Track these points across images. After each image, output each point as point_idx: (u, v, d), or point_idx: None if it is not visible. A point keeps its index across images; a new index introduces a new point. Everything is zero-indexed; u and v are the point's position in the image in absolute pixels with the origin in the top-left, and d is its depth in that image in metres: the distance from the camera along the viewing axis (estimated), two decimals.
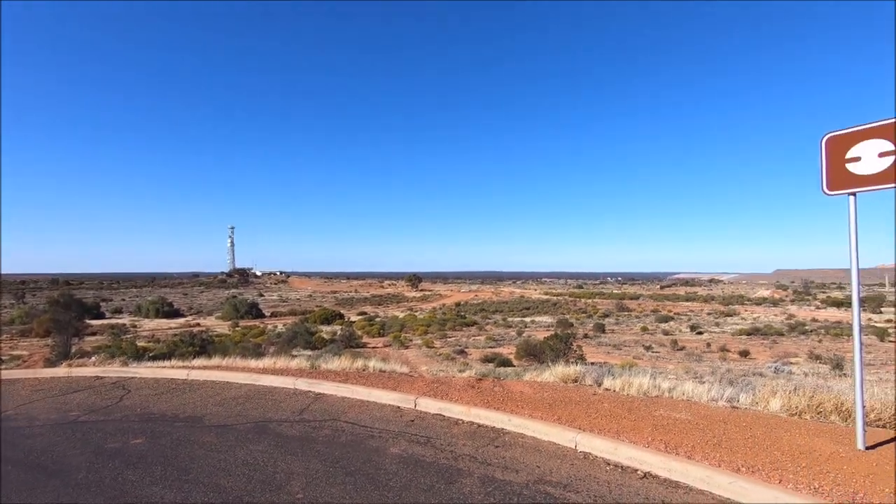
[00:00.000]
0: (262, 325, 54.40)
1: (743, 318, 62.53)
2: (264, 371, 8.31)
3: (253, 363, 9.36)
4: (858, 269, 4.24)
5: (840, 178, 4.27)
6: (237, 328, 50.98)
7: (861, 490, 3.26)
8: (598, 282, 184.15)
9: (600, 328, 49.09)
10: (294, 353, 27.22)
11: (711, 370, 23.44)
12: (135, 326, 52.74)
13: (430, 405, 5.84)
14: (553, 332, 35.81)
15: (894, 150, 3.91)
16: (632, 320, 61.35)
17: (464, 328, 52.38)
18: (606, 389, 6.94)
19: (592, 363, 26.75)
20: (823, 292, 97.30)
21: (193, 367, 8.74)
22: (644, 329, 50.97)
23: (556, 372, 7.92)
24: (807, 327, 50.22)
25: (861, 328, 4.30)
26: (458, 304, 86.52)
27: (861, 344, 4.28)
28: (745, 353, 33.17)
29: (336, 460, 4.22)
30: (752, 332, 47.60)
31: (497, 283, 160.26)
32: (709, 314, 68.40)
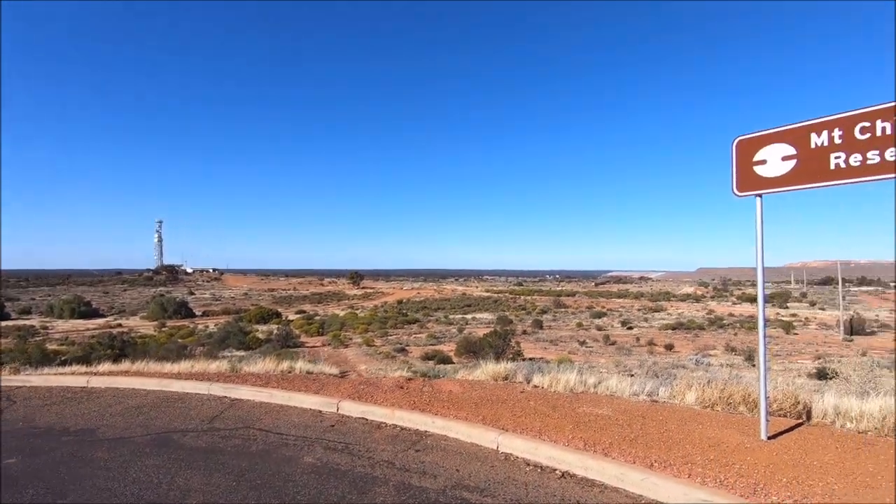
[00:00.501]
0: (191, 325, 51.57)
1: (669, 314, 66.50)
2: (178, 376, 7.71)
3: (168, 367, 8.67)
4: (763, 267, 4.44)
5: (748, 181, 4.45)
6: (164, 329, 47.98)
7: (762, 481, 3.37)
8: (537, 279, 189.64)
9: (538, 324, 50.43)
10: (226, 353, 25.93)
11: (639, 363, 24.63)
12: (45, 328, 48.33)
13: (353, 408, 5.59)
14: (493, 329, 36.30)
15: (795, 154, 4.11)
16: (568, 316, 63.59)
17: (405, 326, 52.15)
18: (535, 387, 6.97)
19: (530, 359, 27.39)
20: (739, 289, 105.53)
21: (97, 374, 7.96)
22: (579, 325, 52.93)
23: (487, 370, 7.88)
24: (724, 321, 54.15)
25: (766, 324, 4.51)
26: (400, 302, 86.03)
27: (765, 341, 4.49)
28: (670, 347, 35.18)
29: (242, 473, 3.89)
30: (677, 326, 50.68)
31: (440, 280, 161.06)
32: (639, 310, 72.18)
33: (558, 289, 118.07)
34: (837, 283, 70.75)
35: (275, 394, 6.26)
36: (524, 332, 44.01)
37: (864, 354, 28.90)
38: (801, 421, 5.10)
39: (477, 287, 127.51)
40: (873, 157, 3.65)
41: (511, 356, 28.35)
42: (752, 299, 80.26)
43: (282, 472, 3.90)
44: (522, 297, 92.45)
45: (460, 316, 63.68)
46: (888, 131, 3.57)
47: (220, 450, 4.46)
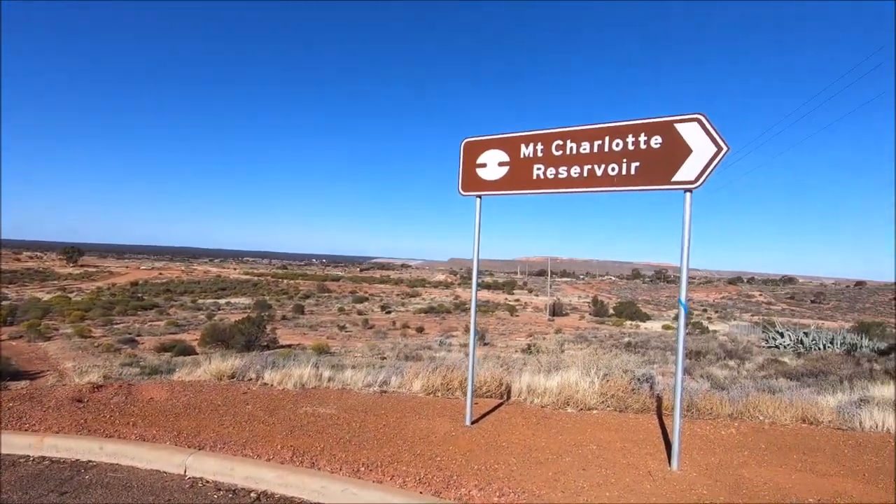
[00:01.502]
0: None
1: (423, 299, 72.74)
2: None
3: None
4: (478, 261, 4.75)
5: (472, 182, 4.68)
6: None
7: (457, 472, 3.49)
8: (303, 263, 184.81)
9: (300, 309, 48.88)
10: None
11: (392, 346, 25.98)
12: None
13: None
14: (247, 315, 33.46)
15: (508, 161, 4.46)
16: (332, 301, 63.56)
17: (140, 312, 44.15)
18: (265, 384, 6.32)
19: (288, 346, 26.19)
20: (481, 278, 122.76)
21: None
22: (341, 310, 53.35)
23: (210, 368, 6.87)
24: (467, 306, 61.81)
25: (476, 321, 4.85)
26: (135, 284, 72.71)
27: (475, 337, 4.83)
28: (420, 329, 38.23)
29: None
30: (429, 310, 55.73)
31: (190, 260, 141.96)
32: (398, 295, 76.96)
33: (324, 273, 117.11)
34: (547, 275, 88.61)
35: None
36: (284, 318, 42.01)
37: (558, 332, 36.56)
38: (502, 401, 5.73)
39: (235, 269, 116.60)
40: (563, 172, 4.16)
41: (265, 344, 26.60)
42: (489, 286, 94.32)
43: None
44: (286, 281, 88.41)
45: (212, 301, 57.22)
46: (574, 151, 4.10)
47: None
